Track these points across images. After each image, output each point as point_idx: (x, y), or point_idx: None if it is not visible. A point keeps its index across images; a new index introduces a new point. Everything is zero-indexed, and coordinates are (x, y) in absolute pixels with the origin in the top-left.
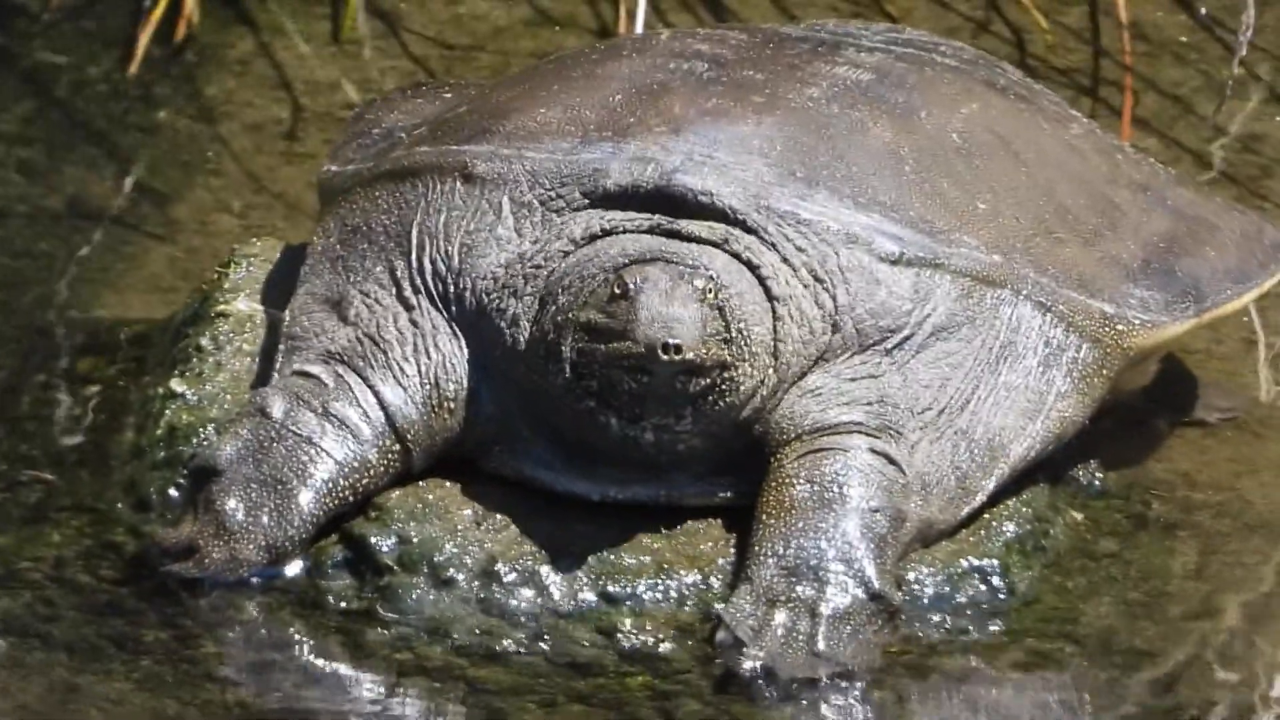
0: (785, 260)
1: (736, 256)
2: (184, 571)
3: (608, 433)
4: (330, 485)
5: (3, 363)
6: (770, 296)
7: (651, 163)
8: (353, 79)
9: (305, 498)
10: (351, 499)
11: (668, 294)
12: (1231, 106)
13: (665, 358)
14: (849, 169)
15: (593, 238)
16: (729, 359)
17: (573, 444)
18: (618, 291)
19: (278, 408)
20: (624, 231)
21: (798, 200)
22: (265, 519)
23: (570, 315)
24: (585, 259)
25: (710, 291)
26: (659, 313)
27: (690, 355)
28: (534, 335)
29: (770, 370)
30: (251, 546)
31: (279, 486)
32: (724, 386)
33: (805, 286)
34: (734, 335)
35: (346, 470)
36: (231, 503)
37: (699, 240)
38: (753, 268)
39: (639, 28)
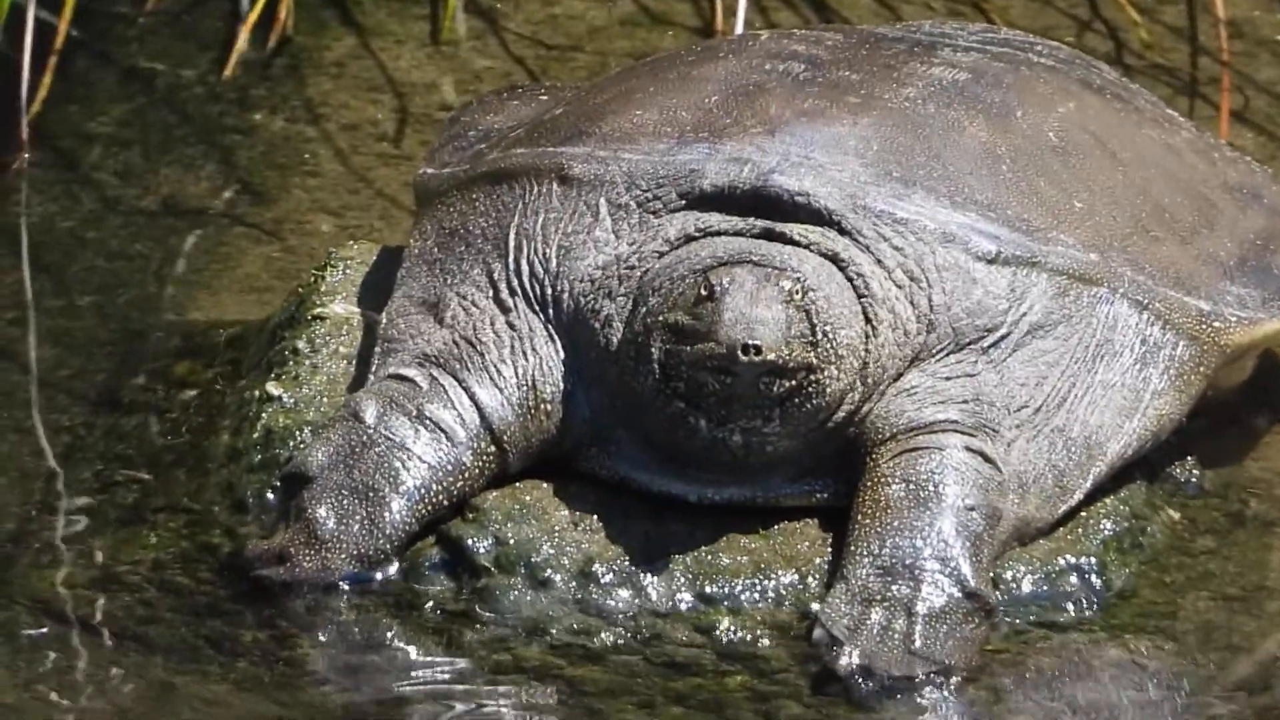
0: (880, 262)
1: (830, 258)
2: (275, 576)
3: (697, 435)
4: (423, 491)
5: (100, 365)
6: (862, 299)
7: (748, 163)
8: (450, 80)
9: (397, 505)
10: (446, 503)
11: (753, 295)
12: None
13: (745, 359)
14: (945, 168)
15: (687, 239)
16: (815, 361)
17: (665, 446)
18: (704, 293)
19: (370, 412)
20: (718, 233)
21: (894, 200)
22: (356, 528)
23: (660, 317)
24: (677, 260)
25: (797, 293)
26: (742, 314)
27: (771, 356)
28: (625, 337)
29: (860, 373)
30: (343, 555)
31: (371, 494)
32: (810, 389)
33: (900, 287)
34: (819, 338)
35: (440, 474)
36: (323, 511)
37: (792, 242)
38: (845, 270)
39: (739, 26)
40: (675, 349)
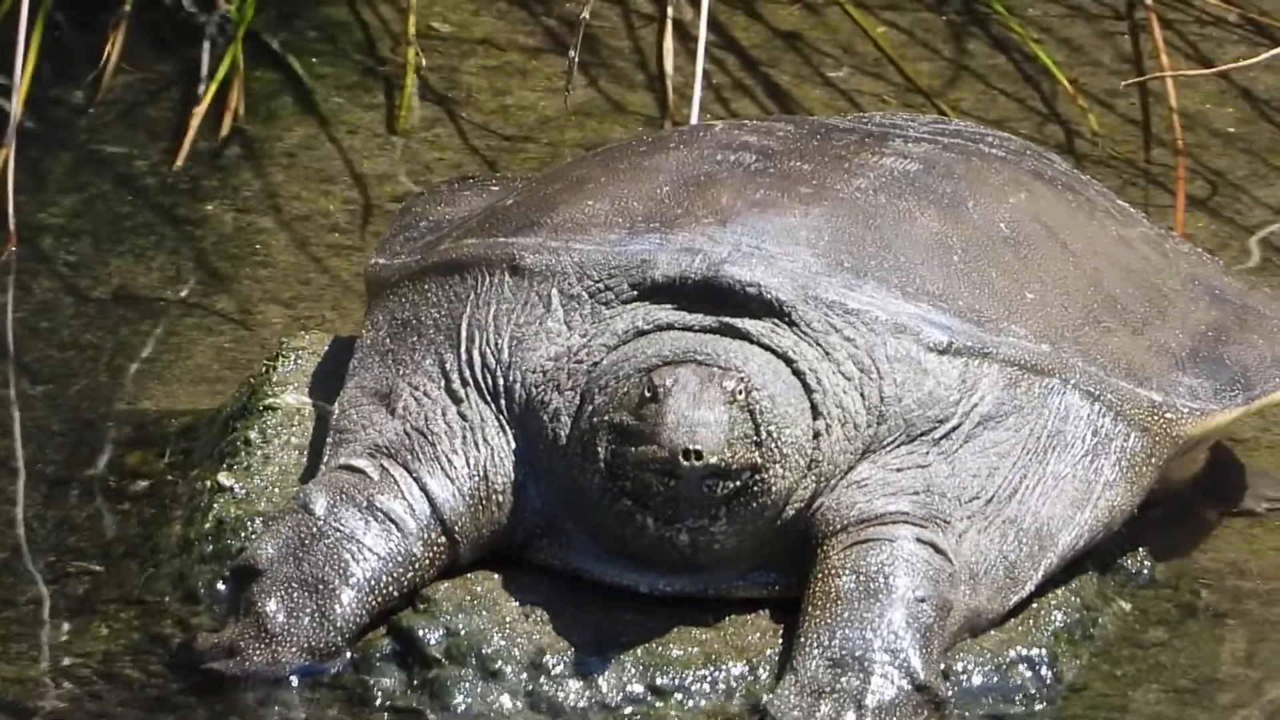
0: (829, 356)
1: (778, 354)
2: (225, 670)
3: (644, 533)
4: (374, 583)
5: (50, 455)
6: (811, 395)
7: (699, 254)
8: (401, 171)
9: (347, 597)
10: (397, 595)
11: (696, 397)
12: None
13: (686, 464)
14: (896, 259)
15: (637, 333)
16: (759, 461)
17: (613, 541)
18: (648, 394)
19: (320, 504)
20: (667, 327)
21: (845, 290)
22: (306, 621)
23: (605, 416)
24: (623, 358)
25: (740, 393)
26: (684, 416)
27: (714, 460)
28: (573, 434)
29: (808, 470)
30: (293, 649)
31: (321, 587)
32: (756, 488)
33: (850, 379)
34: (764, 437)
35: (391, 566)
36: (272, 605)
37: (742, 336)
38: (794, 366)
39: (695, 115)
40: (620, 449)
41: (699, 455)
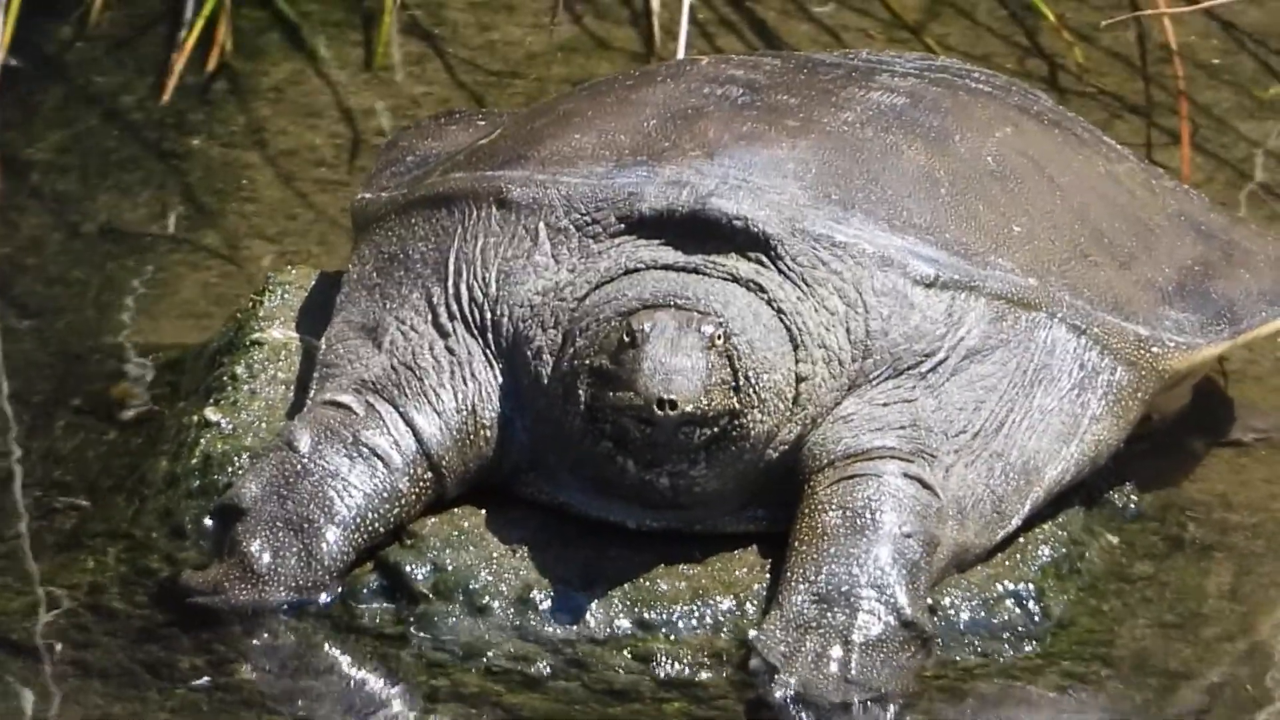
0: (813, 292)
1: (760, 295)
2: (211, 604)
3: (626, 475)
4: (359, 520)
5: (38, 389)
6: (792, 337)
7: (686, 187)
8: (387, 105)
9: (333, 536)
10: (383, 531)
11: (673, 343)
12: (1268, 125)
13: (661, 413)
14: (884, 192)
15: (623, 272)
16: (737, 406)
17: (597, 480)
18: (626, 340)
19: (304, 441)
20: (649, 267)
21: (832, 223)
22: (293, 561)
23: (585, 360)
24: (605, 299)
25: (719, 338)
26: (661, 364)
27: (689, 408)
28: (554, 374)
29: (789, 412)
30: (279, 588)
31: (306, 525)
32: (735, 433)
33: (834, 314)
34: (742, 383)
35: (376, 502)
36: (257, 545)
37: (724, 277)
38: (776, 307)
39: (680, 51)
40: (599, 393)
41: (673, 405)
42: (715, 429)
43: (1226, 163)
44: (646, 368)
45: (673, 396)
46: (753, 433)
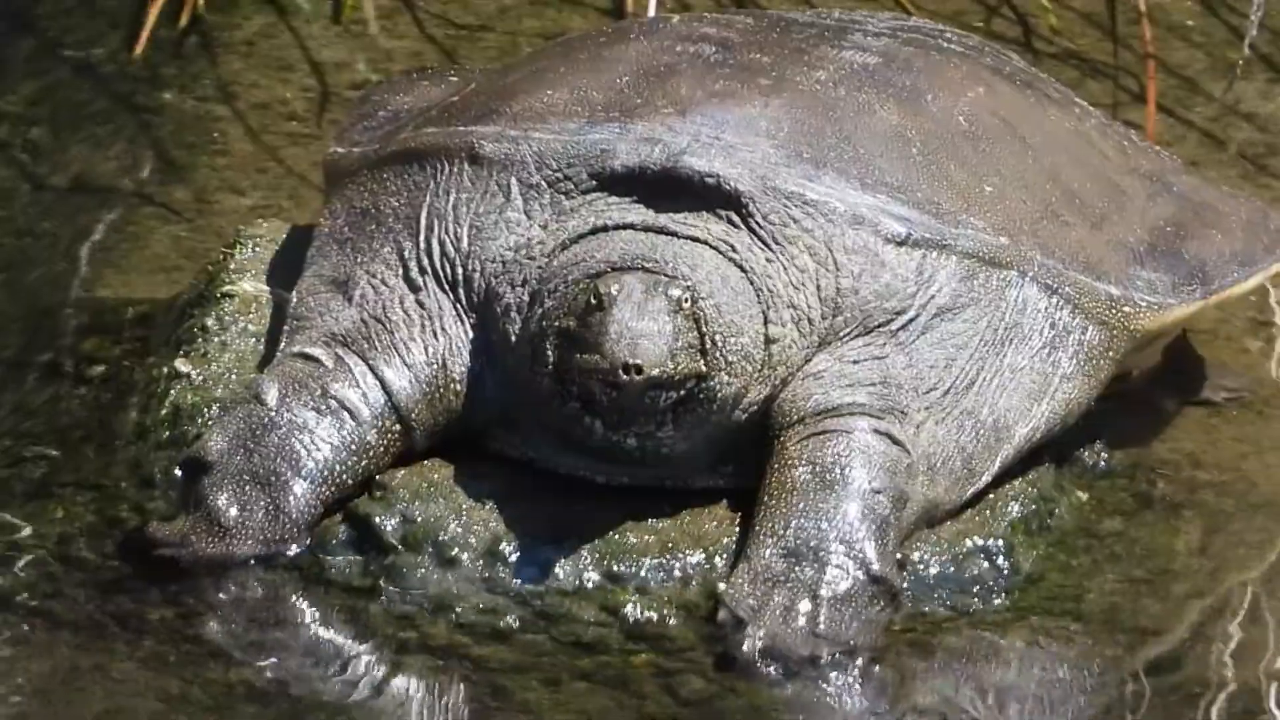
0: (783, 252)
1: (728, 257)
2: (178, 557)
3: (593, 435)
4: (327, 474)
5: (7, 341)
6: (760, 299)
7: (659, 144)
8: (359, 60)
9: (300, 489)
10: (351, 483)
11: (640, 307)
12: (1240, 88)
13: (626, 378)
14: (856, 151)
15: (593, 231)
16: (704, 370)
17: (566, 437)
18: (593, 302)
19: (272, 394)
20: (619, 227)
21: (804, 181)
22: (260, 515)
23: (554, 322)
24: (573, 260)
25: (686, 301)
26: (627, 328)
27: (655, 373)
28: (522, 334)
29: (758, 373)
30: (247, 542)
31: (273, 479)
32: (702, 396)
33: (804, 272)
34: (709, 346)
35: (344, 455)
36: (223, 499)
37: (692, 239)
38: (744, 269)
39: (652, 9)
40: (566, 355)
41: (639, 369)
42: (682, 392)
43: (1197, 125)
44: (613, 331)
45: (638, 361)
46: (720, 395)
